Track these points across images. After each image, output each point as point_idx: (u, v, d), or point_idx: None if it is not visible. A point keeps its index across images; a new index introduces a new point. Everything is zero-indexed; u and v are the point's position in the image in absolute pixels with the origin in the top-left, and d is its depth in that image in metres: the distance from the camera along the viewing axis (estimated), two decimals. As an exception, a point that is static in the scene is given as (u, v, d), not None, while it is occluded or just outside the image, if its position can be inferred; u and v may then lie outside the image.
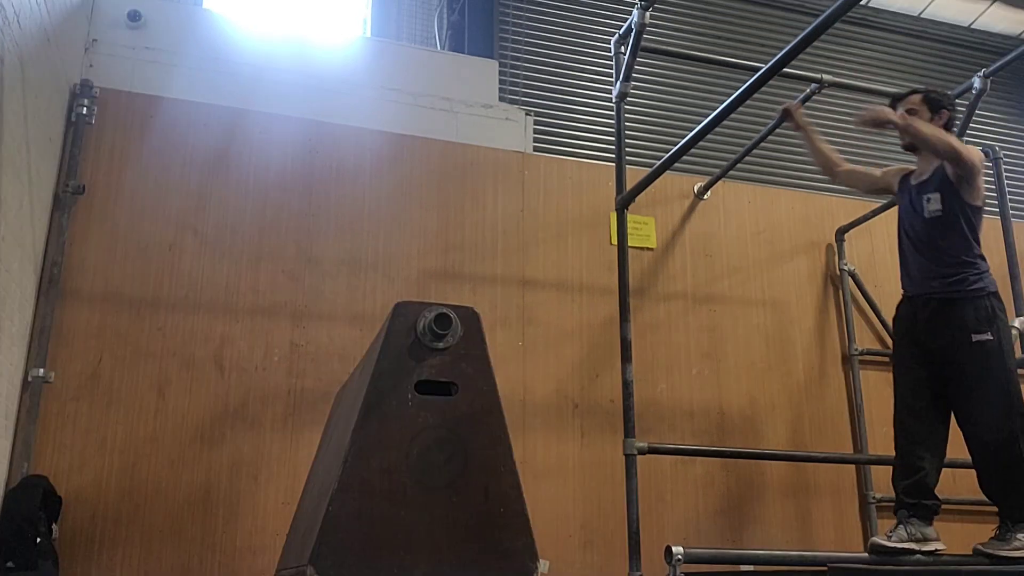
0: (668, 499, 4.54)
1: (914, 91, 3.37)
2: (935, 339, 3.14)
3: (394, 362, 2.51)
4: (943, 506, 3.16)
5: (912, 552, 2.99)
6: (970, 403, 3.06)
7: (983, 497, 4.50)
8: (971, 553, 3.05)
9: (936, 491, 3.13)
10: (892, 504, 4.74)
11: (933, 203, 3.23)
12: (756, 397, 4.88)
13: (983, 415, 3.02)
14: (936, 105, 3.30)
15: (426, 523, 2.36)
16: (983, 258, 3.23)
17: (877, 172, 3.64)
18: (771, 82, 3.19)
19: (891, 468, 3.26)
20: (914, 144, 3.33)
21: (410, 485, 2.38)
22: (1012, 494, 3.03)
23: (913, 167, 3.44)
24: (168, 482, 3.84)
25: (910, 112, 3.31)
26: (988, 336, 3.04)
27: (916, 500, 3.09)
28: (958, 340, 3.07)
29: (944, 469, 3.17)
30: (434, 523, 2.37)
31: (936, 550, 3.03)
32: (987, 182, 6.84)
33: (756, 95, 3.26)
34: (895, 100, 3.42)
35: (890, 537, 3.03)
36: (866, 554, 3.07)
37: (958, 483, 4.88)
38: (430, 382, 2.53)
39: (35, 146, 3.60)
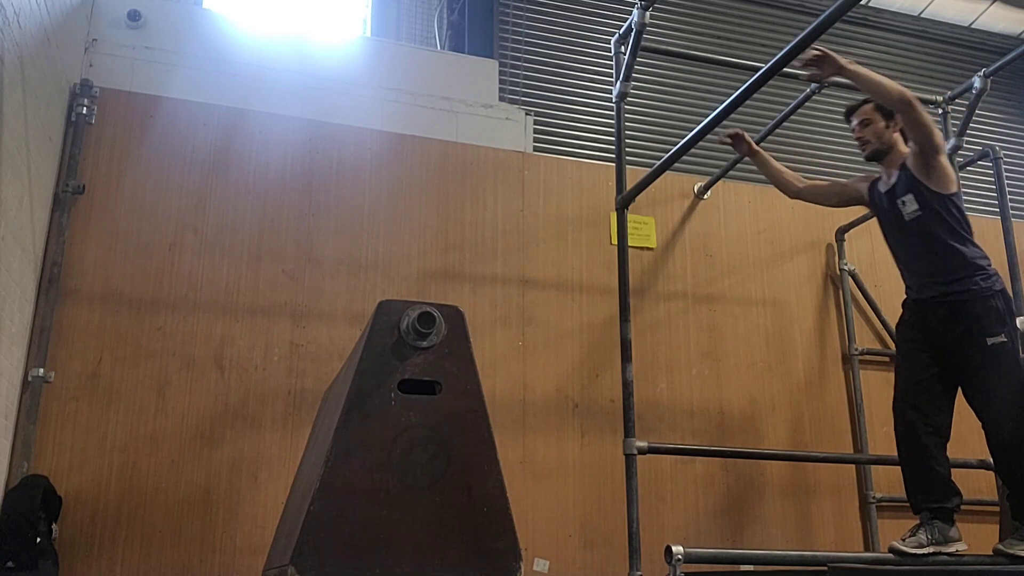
0: (668, 499, 4.54)
1: (865, 101, 3.34)
2: (947, 341, 3.13)
3: (377, 361, 2.49)
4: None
5: (937, 555, 2.99)
6: (986, 406, 3.06)
7: (984, 497, 4.53)
8: (991, 554, 3.05)
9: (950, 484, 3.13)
10: (892, 504, 4.77)
11: (909, 204, 3.20)
12: (756, 397, 4.88)
13: (999, 417, 3.02)
14: (889, 112, 3.27)
15: (409, 523, 2.35)
16: (979, 248, 3.21)
17: (840, 183, 3.62)
18: (771, 82, 3.19)
19: (900, 471, 3.24)
20: (878, 152, 3.31)
21: (393, 484, 2.37)
22: None
23: (879, 174, 3.42)
24: (168, 482, 3.84)
25: (864, 123, 3.31)
26: (1001, 338, 3.04)
27: (938, 504, 3.08)
28: (972, 342, 3.06)
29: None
30: (417, 523, 2.35)
31: (958, 551, 3.03)
32: (987, 182, 6.85)
33: (756, 95, 3.25)
34: (849, 112, 3.41)
35: (905, 540, 3.02)
36: (867, 554, 3.06)
37: (960, 483, 4.88)
38: (413, 381, 2.51)
39: (35, 146, 3.60)
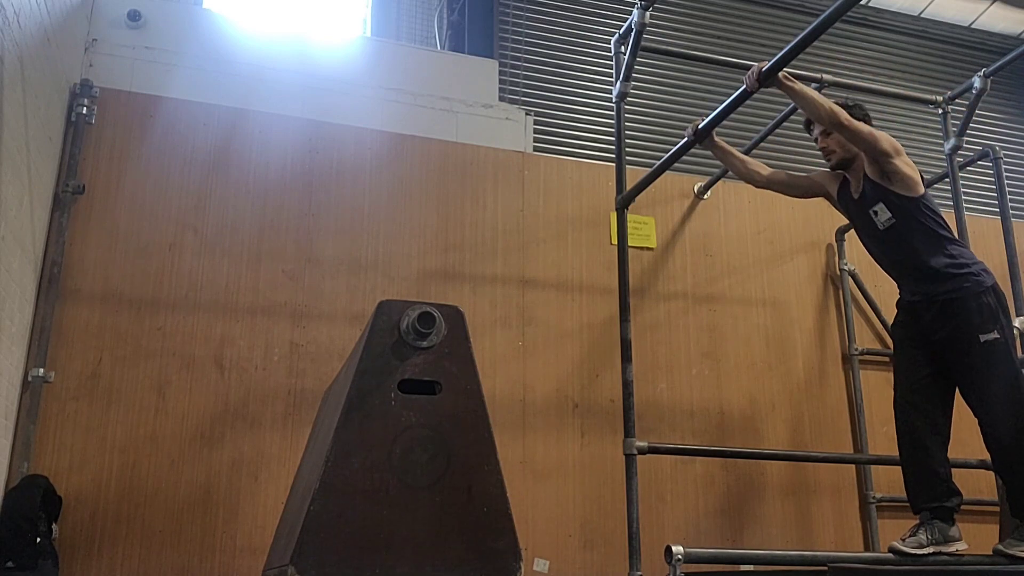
0: (668, 499, 4.54)
1: None
2: (941, 339, 3.12)
3: (377, 361, 2.49)
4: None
5: (937, 555, 2.99)
6: (982, 403, 3.05)
7: (984, 497, 4.52)
8: (991, 554, 3.05)
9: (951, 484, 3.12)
10: (892, 504, 4.77)
11: (881, 214, 3.17)
12: (756, 397, 4.88)
13: (995, 415, 3.02)
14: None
15: (408, 522, 2.35)
16: (961, 245, 3.19)
17: (805, 177, 3.56)
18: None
19: (900, 471, 3.24)
20: (843, 161, 3.27)
21: (393, 484, 2.37)
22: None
23: (846, 175, 3.37)
24: (168, 482, 3.84)
25: (826, 132, 3.24)
26: (995, 335, 3.03)
27: (938, 504, 3.08)
28: (966, 340, 3.05)
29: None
30: (417, 522, 2.35)
31: (958, 551, 3.03)
32: (987, 182, 6.84)
33: (756, 95, 3.25)
34: (809, 122, 3.33)
35: (905, 540, 3.02)
36: (866, 554, 3.06)
37: (960, 483, 4.87)
38: (413, 381, 2.51)
39: (35, 146, 3.60)
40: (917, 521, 3.11)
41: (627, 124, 4.25)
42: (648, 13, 3.80)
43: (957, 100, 4.59)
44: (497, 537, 2.40)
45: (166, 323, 4.03)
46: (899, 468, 3.26)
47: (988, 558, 3.06)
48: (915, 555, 2.97)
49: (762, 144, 5.09)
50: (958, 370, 3.11)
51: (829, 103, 3.08)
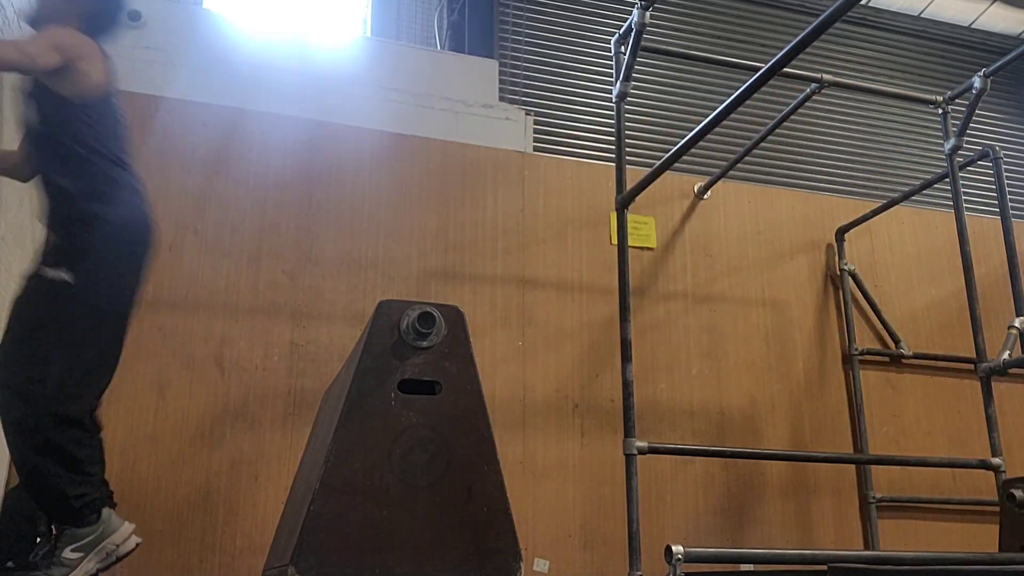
0: (668, 499, 4.54)
1: None
2: None
3: (377, 361, 2.49)
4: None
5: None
6: None
7: (983, 497, 4.52)
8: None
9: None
10: (892, 504, 4.77)
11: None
12: (756, 397, 4.88)
13: None
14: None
15: (408, 522, 2.35)
16: None
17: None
18: (771, 82, 3.19)
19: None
20: None
21: (393, 484, 2.37)
22: None
23: None
24: (168, 482, 3.84)
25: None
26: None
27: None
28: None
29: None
30: (417, 522, 2.36)
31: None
32: (987, 182, 6.84)
33: (756, 95, 3.25)
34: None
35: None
36: (866, 553, 3.05)
37: (958, 483, 4.88)
38: (413, 381, 2.51)
39: (35, 146, 3.58)
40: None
41: (627, 124, 4.25)
42: (648, 13, 3.79)
43: (957, 100, 4.59)
44: (497, 537, 2.40)
45: (166, 323, 4.03)
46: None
47: (988, 556, 3.05)
48: None
49: (763, 144, 5.10)
50: None
51: None
